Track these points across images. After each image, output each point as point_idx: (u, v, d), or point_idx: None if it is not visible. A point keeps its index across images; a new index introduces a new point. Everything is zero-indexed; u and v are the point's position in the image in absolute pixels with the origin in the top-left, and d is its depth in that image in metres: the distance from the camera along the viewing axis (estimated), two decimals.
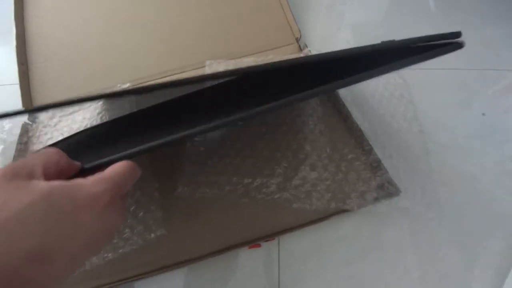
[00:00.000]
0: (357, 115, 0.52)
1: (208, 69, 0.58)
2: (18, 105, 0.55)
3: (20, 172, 0.20)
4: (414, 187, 0.47)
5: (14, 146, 0.52)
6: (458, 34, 0.35)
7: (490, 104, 0.57)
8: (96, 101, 0.55)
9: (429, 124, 0.53)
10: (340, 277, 0.41)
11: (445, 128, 0.53)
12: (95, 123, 0.53)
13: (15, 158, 0.50)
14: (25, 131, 0.54)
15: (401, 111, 0.55)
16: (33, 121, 0.55)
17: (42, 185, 0.20)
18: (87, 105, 0.56)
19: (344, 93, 0.55)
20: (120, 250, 0.41)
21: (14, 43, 0.58)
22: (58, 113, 0.56)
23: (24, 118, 0.56)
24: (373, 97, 0.56)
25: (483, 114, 0.55)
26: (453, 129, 0.53)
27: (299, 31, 0.63)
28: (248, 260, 0.43)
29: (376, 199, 0.44)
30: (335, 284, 0.41)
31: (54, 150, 0.24)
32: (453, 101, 0.57)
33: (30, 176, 0.21)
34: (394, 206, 0.46)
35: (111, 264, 0.40)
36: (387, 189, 0.45)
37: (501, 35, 0.66)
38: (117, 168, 0.24)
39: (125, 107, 0.54)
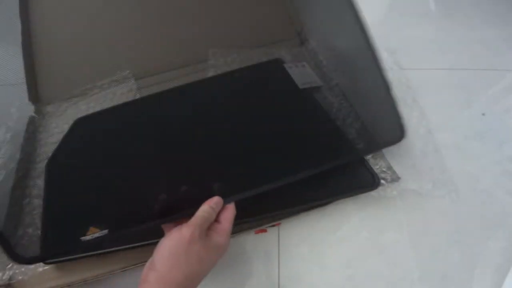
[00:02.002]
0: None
1: (212, 58, 0.58)
2: (23, 104, 0.57)
3: (201, 233, 0.32)
4: (412, 187, 0.47)
5: (22, 134, 0.54)
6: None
7: (490, 104, 0.57)
8: (101, 91, 0.58)
9: (429, 124, 0.53)
10: (340, 277, 0.41)
11: (445, 128, 0.53)
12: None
13: (23, 146, 0.52)
14: (32, 121, 0.56)
15: (401, 96, 0.55)
16: (40, 114, 0.57)
17: (214, 243, 0.32)
18: (91, 93, 0.58)
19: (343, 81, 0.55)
20: None
21: (19, 38, 0.59)
22: (64, 103, 0.57)
23: (30, 111, 0.57)
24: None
25: (483, 114, 0.55)
26: (453, 129, 0.53)
27: (302, 25, 0.63)
28: (248, 260, 0.43)
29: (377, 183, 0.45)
30: (335, 284, 0.41)
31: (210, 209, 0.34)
32: (453, 101, 0.57)
33: (205, 232, 0.33)
34: (393, 205, 0.46)
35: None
36: (387, 174, 0.46)
37: (501, 35, 0.67)
38: (230, 218, 0.35)
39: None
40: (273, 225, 0.44)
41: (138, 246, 0.40)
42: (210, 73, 0.58)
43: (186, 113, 0.53)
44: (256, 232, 0.44)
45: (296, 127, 0.49)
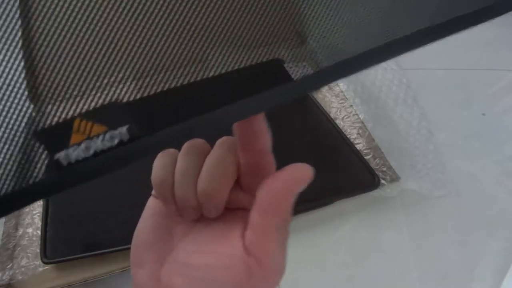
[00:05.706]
0: (356, 102, 0.53)
1: (212, 58, 0.59)
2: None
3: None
4: (412, 187, 0.47)
5: None
6: None
7: (490, 104, 0.57)
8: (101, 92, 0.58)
9: (429, 124, 0.53)
10: (339, 278, 0.41)
11: (445, 128, 0.53)
12: None
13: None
14: None
15: (401, 96, 0.55)
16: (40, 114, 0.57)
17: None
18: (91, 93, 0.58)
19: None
20: None
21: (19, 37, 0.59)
22: (64, 103, 0.58)
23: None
24: (373, 84, 0.57)
25: (483, 114, 0.55)
26: (453, 129, 0.53)
27: (302, 25, 0.64)
28: None
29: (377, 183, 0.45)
30: (335, 285, 0.41)
31: None
32: (453, 101, 0.57)
33: None
34: (393, 205, 0.46)
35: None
36: (387, 174, 0.46)
37: (501, 35, 0.67)
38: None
39: None
40: None
41: None
42: (210, 73, 0.58)
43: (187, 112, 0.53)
44: None
45: (295, 126, 0.50)
